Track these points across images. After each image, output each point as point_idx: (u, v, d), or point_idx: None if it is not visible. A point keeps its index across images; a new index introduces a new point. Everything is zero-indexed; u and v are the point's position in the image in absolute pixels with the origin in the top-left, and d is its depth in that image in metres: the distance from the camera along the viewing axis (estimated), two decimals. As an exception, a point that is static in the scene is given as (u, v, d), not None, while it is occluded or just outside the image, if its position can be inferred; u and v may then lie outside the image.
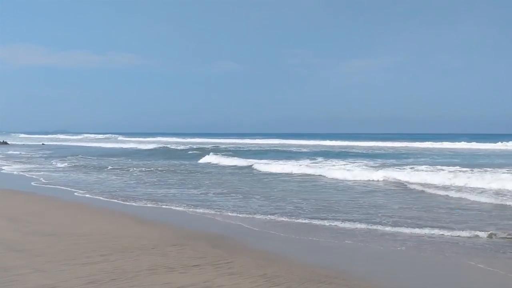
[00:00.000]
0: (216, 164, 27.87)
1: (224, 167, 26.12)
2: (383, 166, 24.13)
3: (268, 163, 25.32)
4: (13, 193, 14.77)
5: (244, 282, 5.53)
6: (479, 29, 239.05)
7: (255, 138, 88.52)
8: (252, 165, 25.33)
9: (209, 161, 29.06)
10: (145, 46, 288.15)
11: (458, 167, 22.12)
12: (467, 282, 6.18)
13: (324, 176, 20.05)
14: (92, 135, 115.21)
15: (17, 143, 66.46)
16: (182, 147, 52.85)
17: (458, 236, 8.69)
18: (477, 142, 56.73)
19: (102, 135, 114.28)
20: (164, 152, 41.69)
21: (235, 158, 29.86)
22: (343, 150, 45.18)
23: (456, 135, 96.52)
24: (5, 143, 61.71)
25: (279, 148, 49.92)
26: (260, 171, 22.98)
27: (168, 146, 53.31)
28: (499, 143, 54.10)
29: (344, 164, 25.31)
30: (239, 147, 52.20)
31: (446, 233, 8.89)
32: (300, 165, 24.39)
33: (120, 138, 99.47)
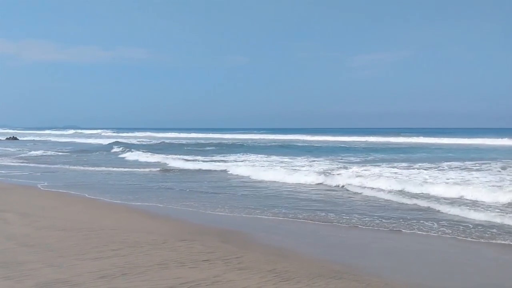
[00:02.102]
0: (128, 159, 28.38)
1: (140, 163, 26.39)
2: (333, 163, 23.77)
3: (185, 160, 25.69)
4: (22, 188, 14.91)
5: (253, 277, 5.55)
6: (491, 22, 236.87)
7: (251, 133, 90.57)
8: (162, 161, 25.72)
9: (126, 157, 29.76)
10: (154, 41, 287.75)
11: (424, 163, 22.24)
12: (478, 276, 6.18)
13: (228, 173, 19.96)
14: (82, 131, 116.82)
15: (27, 138, 66.89)
16: (137, 142, 54.87)
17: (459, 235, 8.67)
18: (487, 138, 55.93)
19: (95, 131, 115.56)
20: (103, 148, 41.44)
21: (155, 154, 30.03)
22: (332, 145, 45.35)
23: (468, 130, 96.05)
24: (14, 138, 62.24)
25: (258, 144, 50.35)
26: (173, 167, 23.19)
27: (121, 141, 53.86)
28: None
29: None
30: (209, 142, 53.73)
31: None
32: (216, 161, 24.98)
33: (107, 133, 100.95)
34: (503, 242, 8.00)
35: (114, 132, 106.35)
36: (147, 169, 21.51)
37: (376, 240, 8.25)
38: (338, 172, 18.10)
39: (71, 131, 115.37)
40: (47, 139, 67.99)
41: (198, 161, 25.43)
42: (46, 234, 7.67)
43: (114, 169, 21.83)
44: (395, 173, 17.77)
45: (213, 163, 24.09)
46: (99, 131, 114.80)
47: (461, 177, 15.98)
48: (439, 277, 6.12)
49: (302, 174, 17.58)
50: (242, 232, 8.63)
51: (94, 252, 6.45)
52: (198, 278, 5.40)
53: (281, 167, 20.61)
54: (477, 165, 21.04)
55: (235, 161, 25.53)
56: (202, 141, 56.22)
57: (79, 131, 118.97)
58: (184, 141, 57.07)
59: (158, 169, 21.61)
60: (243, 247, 7.23)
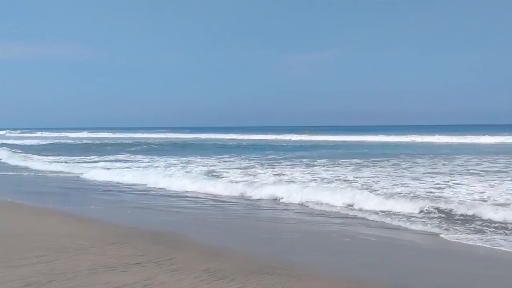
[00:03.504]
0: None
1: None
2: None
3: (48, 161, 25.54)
4: None
5: (186, 278, 5.50)
6: (431, 22, 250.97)
7: (182, 133, 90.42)
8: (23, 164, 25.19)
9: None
10: (91, 36, 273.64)
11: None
12: (401, 265, 6.51)
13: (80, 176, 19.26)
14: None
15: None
16: (33, 143, 54.01)
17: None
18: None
19: (2, 131, 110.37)
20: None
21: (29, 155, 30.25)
22: (262, 143, 46.50)
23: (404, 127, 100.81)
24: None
25: (179, 142, 51.12)
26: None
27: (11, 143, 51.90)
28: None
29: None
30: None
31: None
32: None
33: (12, 134, 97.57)
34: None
35: (20, 133, 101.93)
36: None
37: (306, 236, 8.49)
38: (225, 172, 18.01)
39: (4, 131, 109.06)
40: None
41: (64, 162, 24.81)
42: (-39, 242, 7.16)
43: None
44: (282, 173, 17.81)
45: (84, 164, 23.53)
46: (3, 132, 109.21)
47: (334, 176, 16.47)
48: (364, 268, 6.40)
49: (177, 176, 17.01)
50: (174, 232, 8.52)
51: (16, 259, 6.09)
52: (129, 282, 5.27)
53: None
54: (374, 162, 21.64)
55: (115, 161, 25.15)
56: (124, 141, 55.13)
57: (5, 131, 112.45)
58: (97, 141, 55.91)
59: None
60: (175, 247, 7.14)
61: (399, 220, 9.54)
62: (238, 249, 7.33)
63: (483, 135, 48.72)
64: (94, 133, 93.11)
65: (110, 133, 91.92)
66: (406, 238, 8.29)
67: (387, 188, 12.98)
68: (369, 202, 10.95)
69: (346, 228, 9.10)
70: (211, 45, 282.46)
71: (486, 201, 10.78)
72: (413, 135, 54.30)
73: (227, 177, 16.61)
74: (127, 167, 21.41)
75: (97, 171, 19.54)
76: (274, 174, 17.11)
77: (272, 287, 5.25)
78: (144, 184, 16.01)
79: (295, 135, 65.85)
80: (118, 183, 16.73)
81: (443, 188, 12.95)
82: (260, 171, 18.46)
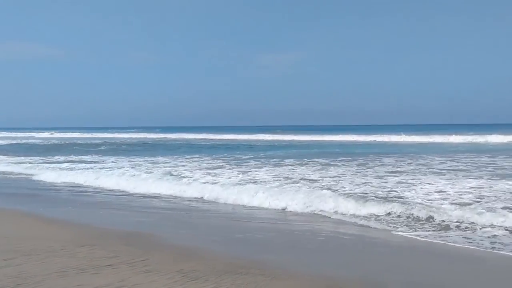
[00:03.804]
0: None
1: None
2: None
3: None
4: None
5: (160, 279, 5.47)
6: (395, 22, 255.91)
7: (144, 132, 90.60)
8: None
9: None
10: (52, 34, 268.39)
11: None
12: (374, 263, 6.64)
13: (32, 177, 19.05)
14: None
15: None
16: None
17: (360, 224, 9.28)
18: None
19: None
20: None
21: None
22: (236, 143, 46.70)
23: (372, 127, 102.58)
24: None
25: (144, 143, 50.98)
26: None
27: None
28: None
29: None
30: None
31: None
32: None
33: None
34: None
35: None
36: None
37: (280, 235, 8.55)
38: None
39: None
40: None
41: (28, 163, 24.60)
42: None
43: None
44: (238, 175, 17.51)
45: (47, 165, 23.32)
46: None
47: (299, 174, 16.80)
48: (338, 266, 6.49)
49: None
50: (146, 233, 8.43)
51: (-18, 263, 5.94)
52: (101, 284, 5.20)
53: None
54: (342, 161, 21.75)
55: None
56: (93, 142, 54.42)
57: None
58: (65, 142, 55.44)
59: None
60: (148, 248, 7.07)
61: (367, 220, 9.65)
62: (212, 249, 7.31)
63: (450, 134, 49.97)
64: (63, 133, 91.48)
65: (79, 133, 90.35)
66: (372, 236, 8.43)
67: (350, 188, 13.08)
68: (331, 202, 11.01)
69: (319, 227, 9.20)
70: (181, 45, 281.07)
71: (445, 200, 11.05)
72: (383, 135, 55.36)
73: (190, 177, 16.46)
74: (91, 168, 21.13)
75: (60, 172, 19.25)
76: (239, 174, 17.12)
77: (246, 286, 5.27)
78: (102, 186, 15.78)
79: (268, 135, 66.17)
80: (80, 184, 16.45)
81: (404, 187, 13.18)
82: (226, 171, 18.41)
